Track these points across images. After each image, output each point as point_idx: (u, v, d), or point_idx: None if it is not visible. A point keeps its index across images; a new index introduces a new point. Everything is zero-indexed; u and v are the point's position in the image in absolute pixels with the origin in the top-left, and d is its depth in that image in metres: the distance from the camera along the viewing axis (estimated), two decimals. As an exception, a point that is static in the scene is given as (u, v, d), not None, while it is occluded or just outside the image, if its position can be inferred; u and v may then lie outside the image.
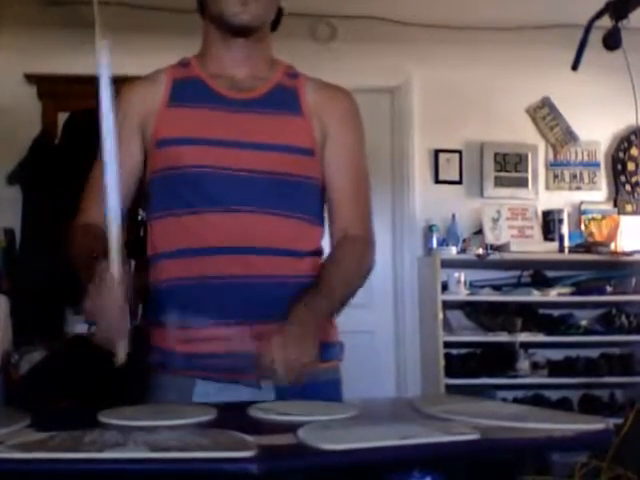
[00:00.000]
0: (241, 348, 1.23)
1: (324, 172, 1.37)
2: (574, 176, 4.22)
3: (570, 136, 4.19)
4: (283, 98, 1.36)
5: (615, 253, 3.92)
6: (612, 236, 4.03)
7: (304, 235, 1.34)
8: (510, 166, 4.14)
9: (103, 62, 1.06)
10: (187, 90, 1.34)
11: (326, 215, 1.40)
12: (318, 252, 1.38)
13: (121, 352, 1.08)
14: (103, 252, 1.12)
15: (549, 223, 3.99)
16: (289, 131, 1.33)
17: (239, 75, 1.36)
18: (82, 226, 1.33)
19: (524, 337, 3.77)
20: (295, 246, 1.31)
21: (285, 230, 1.30)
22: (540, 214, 4.05)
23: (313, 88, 1.39)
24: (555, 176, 4.21)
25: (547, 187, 4.19)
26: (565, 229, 3.96)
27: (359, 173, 1.40)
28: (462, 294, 3.79)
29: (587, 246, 3.93)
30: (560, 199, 4.17)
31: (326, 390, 1.31)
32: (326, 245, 1.39)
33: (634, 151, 4.22)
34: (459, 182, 4.10)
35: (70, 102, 3.54)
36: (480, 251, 3.80)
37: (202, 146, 1.29)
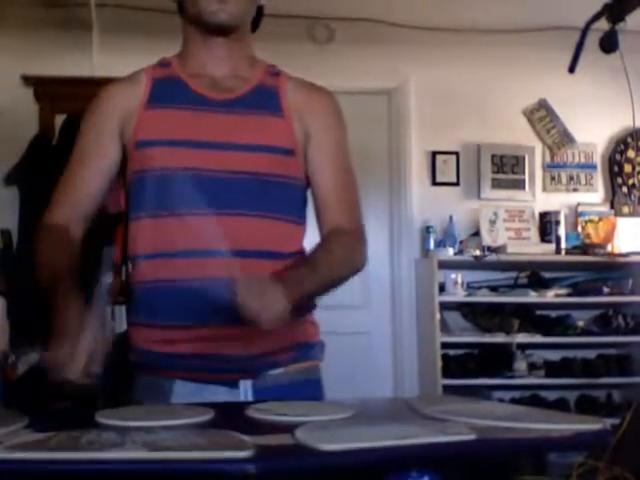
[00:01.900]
0: (221, 349, 1.23)
1: (309, 172, 1.36)
2: (571, 178, 4.23)
3: (567, 138, 4.19)
4: (263, 98, 1.35)
5: (612, 254, 3.92)
6: (609, 238, 4.04)
7: (286, 236, 1.33)
8: (507, 168, 4.14)
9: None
10: (167, 90, 1.34)
11: (314, 215, 1.39)
12: (300, 253, 1.36)
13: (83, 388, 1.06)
14: (66, 270, 1.13)
15: (546, 225, 4.00)
16: (269, 131, 1.32)
17: (219, 74, 1.36)
18: (50, 229, 1.31)
19: (521, 338, 3.78)
20: (277, 248, 1.30)
21: (267, 231, 1.29)
22: (537, 216, 4.06)
23: (294, 87, 1.38)
24: (552, 178, 4.21)
25: (544, 189, 4.20)
26: (562, 231, 3.97)
27: (344, 170, 1.39)
28: (459, 295, 3.79)
29: (584, 247, 3.93)
30: (557, 201, 4.17)
31: (306, 390, 1.30)
32: (308, 246, 1.37)
33: (631, 153, 4.23)
34: (456, 184, 4.11)
35: (67, 104, 3.54)
36: (477, 252, 3.81)
37: (181, 147, 1.28)
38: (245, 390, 1.25)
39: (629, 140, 4.21)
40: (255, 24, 1.41)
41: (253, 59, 1.40)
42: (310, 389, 1.33)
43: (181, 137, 1.29)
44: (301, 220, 1.37)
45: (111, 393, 1.32)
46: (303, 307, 1.27)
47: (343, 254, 1.32)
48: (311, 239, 1.36)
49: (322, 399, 1.32)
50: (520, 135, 4.17)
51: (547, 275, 3.95)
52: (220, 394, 1.23)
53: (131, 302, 1.34)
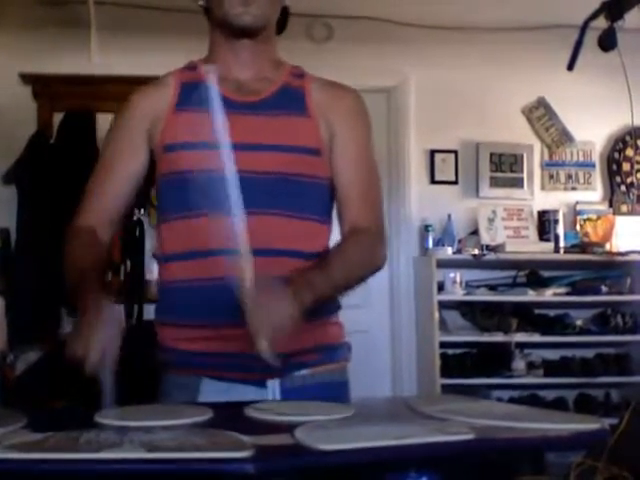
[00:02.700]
0: (249, 348, 1.24)
1: (333, 170, 1.37)
2: (569, 176, 4.23)
3: (566, 136, 4.19)
4: (289, 99, 1.36)
5: (610, 253, 3.92)
6: (607, 236, 4.04)
7: (313, 236, 1.34)
8: (506, 166, 4.14)
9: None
10: (194, 94, 1.34)
11: (335, 213, 1.39)
12: (326, 253, 1.37)
13: (107, 390, 1.09)
14: (93, 268, 1.14)
15: (544, 223, 3.99)
16: (296, 132, 1.34)
17: (245, 77, 1.37)
18: (78, 231, 1.34)
19: (520, 337, 3.78)
20: (304, 247, 1.31)
21: (294, 231, 1.31)
22: (535, 214, 4.05)
23: (319, 87, 1.39)
24: (550, 176, 4.21)
25: (542, 187, 4.20)
26: (560, 229, 3.97)
27: (368, 169, 1.40)
28: (458, 294, 3.79)
29: (582, 246, 3.94)
30: (555, 199, 4.17)
31: (333, 391, 1.31)
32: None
33: (629, 151, 4.23)
34: (455, 182, 4.11)
35: (65, 102, 3.54)
36: (476, 251, 3.81)
37: (209, 150, 1.30)
38: (273, 390, 1.26)
39: (628, 138, 4.21)
40: (281, 25, 1.42)
41: (278, 61, 1.42)
42: (336, 390, 1.33)
43: (208, 140, 1.30)
44: (327, 219, 1.38)
45: (119, 391, 1.33)
46: (321, 308, 1.27)
47: (360, 254, 1.32)
48: (336, 239, 1.37)
49: (348, 401, 1.32)
50: (519, 133, 4.17)
51: (546, 274, 3.95)
52: (248, 393, 1.24)
53: (159, 301, 1.36)
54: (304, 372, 1.30)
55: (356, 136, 1.39)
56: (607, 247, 3.96)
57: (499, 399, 3.66)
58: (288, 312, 1.11)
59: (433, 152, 4.09)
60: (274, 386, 1.26)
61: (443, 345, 3.75)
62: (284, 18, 1.41)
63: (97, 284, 1.20)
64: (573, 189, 4.22)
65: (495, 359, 3.79)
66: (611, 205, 4.20)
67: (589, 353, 3.97)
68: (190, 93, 1.35)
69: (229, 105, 1.33)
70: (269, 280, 1.13)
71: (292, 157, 1.31)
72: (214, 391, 1.26)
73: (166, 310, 1.34)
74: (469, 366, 3.79)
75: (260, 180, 1.29)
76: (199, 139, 1.30)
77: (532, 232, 4.00)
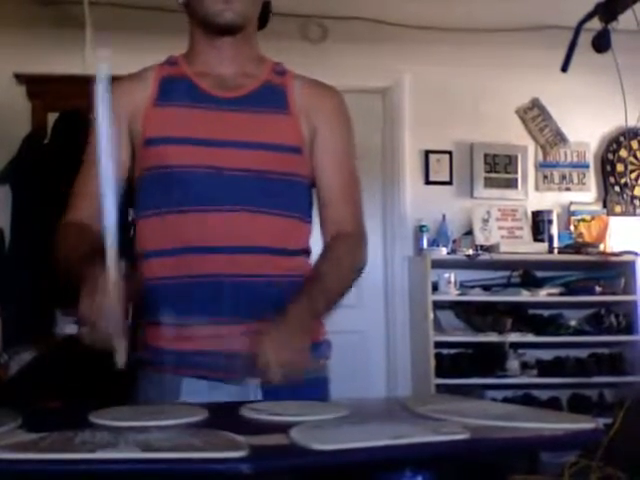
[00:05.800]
0: (230, 347, 1.24)
1: (314, 170, 1.37)
2: (563, 177, 4.24)
3: (560, 137, 4.20)
4: (271, 96, 1.36)
5: (604, 254, 3.93)
6: (601, 237, 4.05)
7: (293, 233, 1.34)
8: (500, 167, 4.15)
9: (101, 73, 1.04)
10: (175, 89, 1.34)
11: (316, 213, 1.40)
12: (306, 251, 1.38)
13: (121, 352, 1.07)
14: (94, 254, 1.12)
15: (539, 224, 4.01)
16: (277, 129, 1.33)
17: (226, 73, 1.36)
18: (71, 225, 1.33)
19: (514, 337, 3.79)
20: (283, 245, 1.31)
21: (273, 229, 1.30)
22: (530, 215, 4.07)
23: (301, 85, 1.39)
24: (545, 177, 4.23)
25: (537, 188, 4.21)
26: (554, 230, 3.98)
27: (349, 171, 1.40)
28: (452, 294, 3.80)
29: (576, 247, 3.95)
30: (549, 200, 4.19)
31: (314, 388, 1.31)
32: (314, 243, 1.39)
33: (623, 152, 4.24)
34: (449, 183, 4.11)
35: (60, 102, 3.53)
36: (470, 251, 3.81)
37: (190, 145, 1.29)
38: (254, 389, 1.25)
39: (621, 139, 4.23)
40: (262, 22, 1.41)
41: (260, 57, 1.41)
42: (317, 387, 1.33)
43: (189, 135, 1.30)
44: (307, 217, 1.38)
45: (108, 392, 1.32)
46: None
47: (350, 261, 1.34)
48: (317, 237, 1.38)
49: (328, 397, 1.33)
50: (513, 134, 4.18)
51: (540, 274, 3.96)
52: (229, 393, 1.23)
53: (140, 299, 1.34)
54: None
55: (338, 138, 1.39)
56: (601, 247, 3.98)
57: (493, 399, 3.67)
58: (298, 346, 1.13)
59: (428, 152, 4.09)
60: (255, 385, 1.25)
61: (437, 345, 3.75)
62: (266, 13, 1.41)
63: (100, 260, 1.12)
64: (567, 190, 4.24)
65: (489, 359, 3.80)
66: (605, 206, 4.21)
67: (583, 353, 3.98)
68: (169, 88, 1.34)
69: (211, 100, 1.32)
70: (270, 325, 1.15)
71: (273, 155, 1.31)
72: (195, 391, 1.25)
73: (146, 308, 1.32)
74: (463, 366, 3.79)
75: (241, 178, 1.28)
76: (178, 134, 1.29)
77: (526, 232, 4.01)
